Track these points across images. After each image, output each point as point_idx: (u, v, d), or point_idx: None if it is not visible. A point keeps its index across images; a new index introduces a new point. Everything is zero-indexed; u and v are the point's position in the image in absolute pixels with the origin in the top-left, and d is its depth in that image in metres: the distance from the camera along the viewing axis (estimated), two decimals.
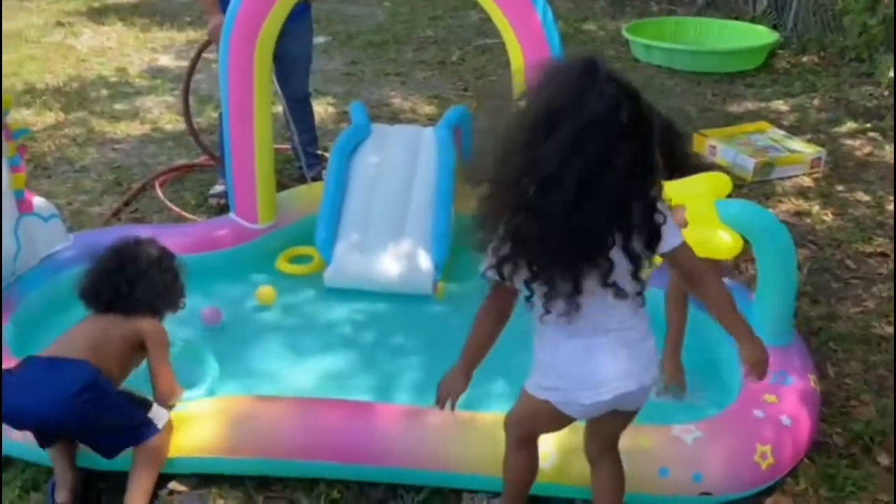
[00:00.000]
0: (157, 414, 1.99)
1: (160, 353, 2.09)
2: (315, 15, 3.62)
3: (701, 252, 2.46)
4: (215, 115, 3.72)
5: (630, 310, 1.54)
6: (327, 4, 6.79)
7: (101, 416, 1.89)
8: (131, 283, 2.11)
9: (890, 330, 2.64)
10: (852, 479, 2.04)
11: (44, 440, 1.94)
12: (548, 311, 1.52)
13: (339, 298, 2.82)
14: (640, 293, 1.53)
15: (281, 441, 2.00)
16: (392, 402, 2.24)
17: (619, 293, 1.48)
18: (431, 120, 4.25)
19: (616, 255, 1.45)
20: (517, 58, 2.72)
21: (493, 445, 1.92)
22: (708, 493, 1.91)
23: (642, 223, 1.45)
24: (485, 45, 5.76)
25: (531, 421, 1.74)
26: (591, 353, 1.55)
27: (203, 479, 2.03)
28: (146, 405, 1.99)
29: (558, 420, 1.67)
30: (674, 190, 2.57)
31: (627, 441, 1.89)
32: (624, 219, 1.43)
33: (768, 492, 1.99)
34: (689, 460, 1.90)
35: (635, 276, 1.49)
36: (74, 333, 2.05)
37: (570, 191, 1.35)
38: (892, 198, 3.54)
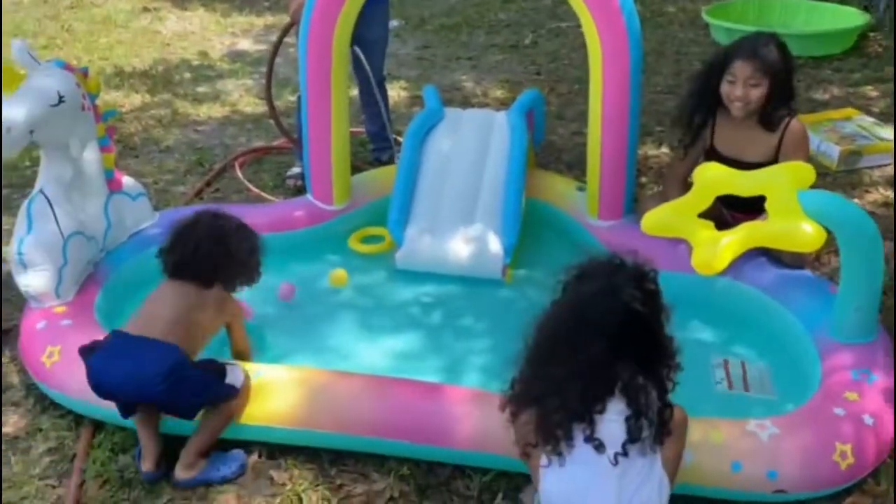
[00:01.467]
0: (234, 377, 2.06)
1: (238, 320, 2.24)
2: None
3: (781, 244, 2.43)
4: (293, 98, 3.80)
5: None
6: None
7: (182, 393, 1.98)
8: (210, 254, 2.18)
9: None
10: None
11: (125, 412, 2.04)
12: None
13: (410, 280, 2.86)
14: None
15: (356, 416, 2.05)
16: (460, 385, 2.27)
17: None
18: (503, 104, 4.24)
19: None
20: (594, 41, 2.67)
21: None
22: (783, 491, 1.87)
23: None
24: (558, 29, 5.68)
25: None
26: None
27: (278, 449, 2.11)
28: (223, 373, 2.06)
29: None
30: (751, 179, 2.54)
31: (699, 434, 1.87)
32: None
33: (848, 492, 1.93)
34: (764, 457, 1.86)
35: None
36: (157, 304, 2.13)
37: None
38: None
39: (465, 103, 4.44)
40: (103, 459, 2.12)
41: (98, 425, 2.21)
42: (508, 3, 6.55)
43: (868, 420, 1.93)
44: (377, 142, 3.70)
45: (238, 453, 2.10)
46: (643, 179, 3.53)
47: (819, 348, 2.19)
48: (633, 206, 2.97)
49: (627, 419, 1.59)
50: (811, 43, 4.99)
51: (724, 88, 2.65)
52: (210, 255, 2.18)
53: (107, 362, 1.97)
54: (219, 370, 2.07)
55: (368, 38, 3.36)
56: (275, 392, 2.10)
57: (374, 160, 3.69)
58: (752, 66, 2.58)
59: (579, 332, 1.60)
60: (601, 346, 1.57)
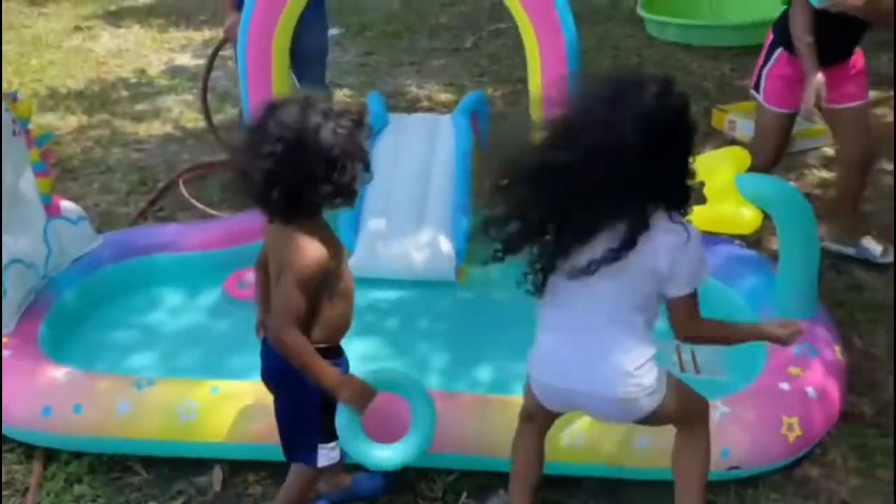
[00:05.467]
0: (328, 454, 1.74)
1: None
2: (327, 6, 3.64)
3: (721, 227, 2.49)
4: (235, 111, 3.77)
5: (619, 320, 1.57)
6: None
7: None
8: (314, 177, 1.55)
9: None
10: (882, 449, 2.05)
11: None
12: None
13: (364, 287, 2.81)
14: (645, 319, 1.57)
15: None
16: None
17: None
18: (448, 107, 4.26)
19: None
20: (531, 41, 2.72)
21: None
22: (737, 467, 1.93)
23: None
24: (499, 30, 5.74)
25: (526, 394, 1.78)
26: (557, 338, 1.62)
27: (241, 466, 2.09)
28: (331, 434, 1.71)
29: (533, 398, 1.72)
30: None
31: None
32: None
33: (797, 463, 2.00)
34: (717, 436, 1.90)
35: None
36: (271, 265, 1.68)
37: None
38: None
39: (411, 108, 4.46)
40: (58, 490, 2.06)
41: (49, 456, 2.15)
42: (448, 6, 6.59)
43: (812, 393, 2.00)
44: None
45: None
46: None
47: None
48: None
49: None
50: (742, 33, 5.14)
51: None
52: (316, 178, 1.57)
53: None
54: (330, 428, 1.72)
55: (308, 47, 3.35)
56: (235, 408, 2.07)
57: None
58: None
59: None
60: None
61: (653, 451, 1.89)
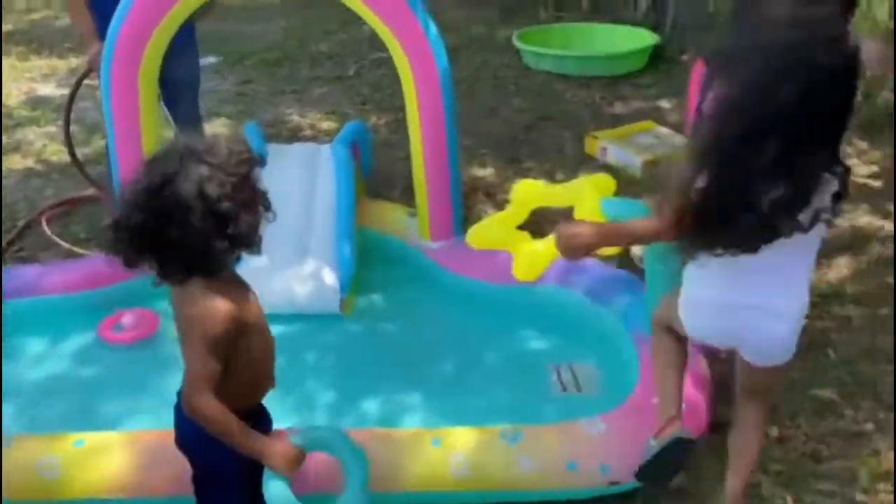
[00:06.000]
0: None
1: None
2: (201, 35, 3.55)
3: None
4: (103, 143, 3.58)
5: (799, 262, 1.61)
6: (215, 24, 6.64)
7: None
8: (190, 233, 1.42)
9: None
10: None
11: None
12: None
13: None
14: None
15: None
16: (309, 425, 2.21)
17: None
18: (331, 136, 4.22)
19: None
20: (405, 71, 2.76)
21: (411, 461, 1.94)
22: (616, 483, 1.99)
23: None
24: (380, 59, 5.78)
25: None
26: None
27: None
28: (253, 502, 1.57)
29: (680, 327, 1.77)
30: (560, 192, 2.73)
31: (536, 441, 1.96)
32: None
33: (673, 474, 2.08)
34: (596, 453, 1.98)
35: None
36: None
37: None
38: None
39: (293, 137, 4.40)
40: None
41: None
42: (329, 35, 6.58)
43: (682, 406, 2.09)
44: None
45: None
46: (471, 200, 3.66)
47: (636, 343, 2.36)
48: (463, 226, 3.07)
49: None
50: (611, 63, 5.43)
51: None
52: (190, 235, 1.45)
53: None
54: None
55: (178, 77, 3.25)
56: (105, 461, 1.95)
57: None
58: None
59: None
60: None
61: (536, 472, 1.93)
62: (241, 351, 1.52)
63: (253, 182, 1.49)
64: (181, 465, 1.70)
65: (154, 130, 2.86)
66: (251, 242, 1.50)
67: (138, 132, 2.79)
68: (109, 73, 2.73)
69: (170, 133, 3.51)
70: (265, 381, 1.64)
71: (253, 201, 1.49)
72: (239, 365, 1.53)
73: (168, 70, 2.97)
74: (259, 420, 1.63)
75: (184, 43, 3.18)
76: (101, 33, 2.94)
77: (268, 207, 1.53)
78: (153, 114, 2.85)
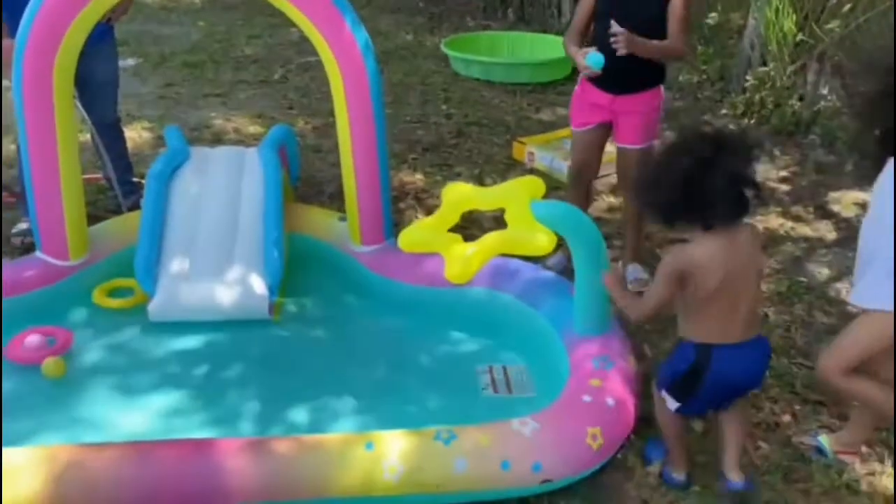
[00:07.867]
0: None
1: None
2: (121, 36, 3.43)
3: (519, 250, 2.65)
4: (14, 146, 3.40)
5: None
6: (135, 25, 6.44)
7: None
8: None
9: None
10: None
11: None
12: None
13: (168, 332, 2.68)
14: None
15: (114, 492, 1.86)
16: (235, 436, 2.16)
17: None
18: (258, 140, 4.15)
19: None
20: (335, 76, 2.73)
21: (342, 467, 1.91)
22: (549, 480, 2.01)
23: None
24: (307, 63, 5.72)
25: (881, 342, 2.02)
26: None
27: None
28: None
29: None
30: (490, 194, 2.75)
31: (469, 442, 1.96)
32: None
33: (602, 470, 2.13)
34: (528, 452, 1.99)
35: None
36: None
37: None
38: None
39: (218, 140, 4.30)
40: None
41: None
42: (254, 38, 6.47)
43: (611, 402, 2.15)
44: (121, 186, 3.44)
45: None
46: (401, 205, 3.66)
47: (566, 344, 2.41)
48: (394, 230, 3.06)
49: None
50: (537, 70, 5.53)
51: None
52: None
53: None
54: None
55: (96, 78, 3.14)
56: (16, 479, 1.84)
57: (118, 208, 3.42)
58: None
59: None
60: None
61: (471, 473, 1.93)
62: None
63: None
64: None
65: (70, 133, 2.73)
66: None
67: (53, 135, 2.66)
68: (21, 73, 2.59)
69: (86, 135, 3.38)
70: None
71: None
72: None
73: (86, 70, 2.87)
74: None
75: (102, 43, 3.08)
76: (11, 30, 2.80)
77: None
78: (68, 115, 2.72)
